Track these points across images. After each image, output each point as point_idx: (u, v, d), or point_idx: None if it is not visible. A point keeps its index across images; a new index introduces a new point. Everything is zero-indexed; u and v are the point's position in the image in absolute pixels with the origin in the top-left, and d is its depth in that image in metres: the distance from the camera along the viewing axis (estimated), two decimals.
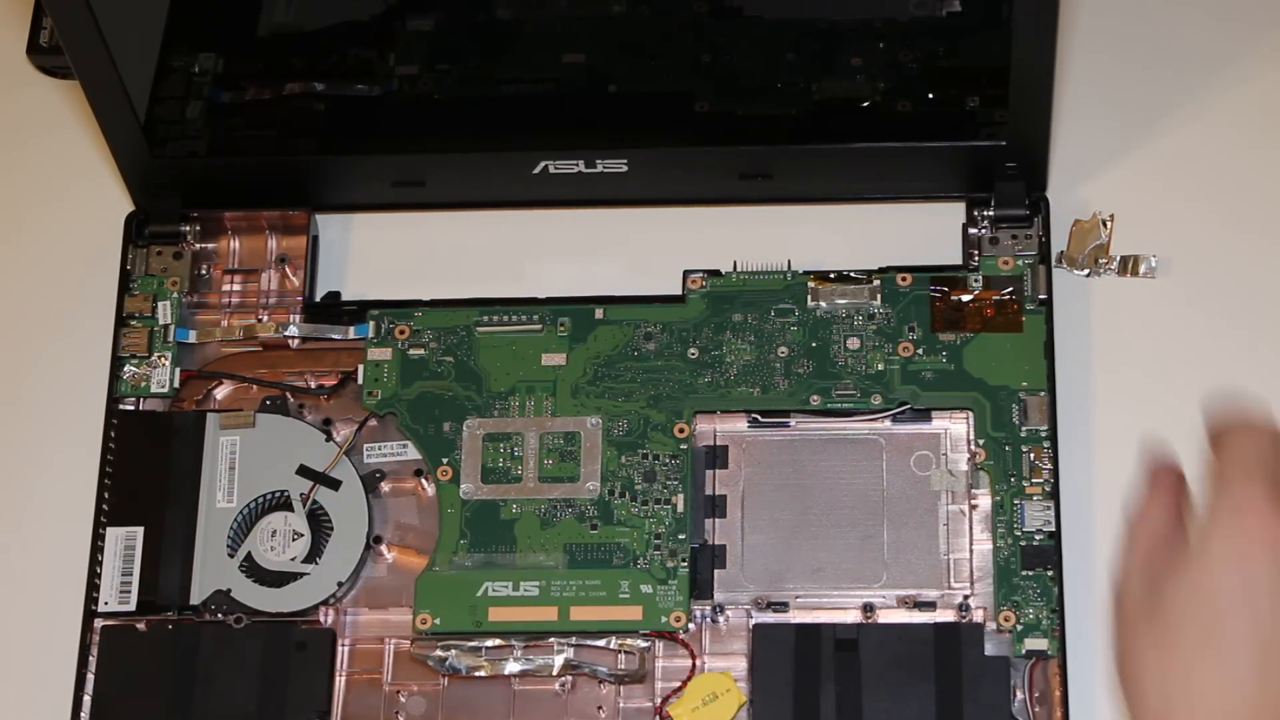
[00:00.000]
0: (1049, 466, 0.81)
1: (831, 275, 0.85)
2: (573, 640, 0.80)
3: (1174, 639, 0.66)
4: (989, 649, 0.78)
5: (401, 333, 0.86)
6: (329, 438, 0.84)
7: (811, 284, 0.85)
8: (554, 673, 0.80)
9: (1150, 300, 0.85)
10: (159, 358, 0.86)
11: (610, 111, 0.87)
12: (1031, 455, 0.81)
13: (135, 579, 0.82)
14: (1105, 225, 0.85)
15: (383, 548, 0.83)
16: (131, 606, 0.82)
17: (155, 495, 0.84)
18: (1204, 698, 0.65)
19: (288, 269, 0.88)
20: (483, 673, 0.80)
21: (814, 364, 0.83)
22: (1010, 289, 0.84)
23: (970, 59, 0.85)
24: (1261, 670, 0.65)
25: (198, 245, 0.89)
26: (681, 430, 0.83)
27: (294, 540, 0.83)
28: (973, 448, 0.81)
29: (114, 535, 0.83)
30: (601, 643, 0.80)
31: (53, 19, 0.82)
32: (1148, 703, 0.67)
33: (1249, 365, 0.84)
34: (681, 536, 0.81)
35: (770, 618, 0.80)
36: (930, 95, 0.85)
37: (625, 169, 0.86)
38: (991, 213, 0.85)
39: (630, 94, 0.87)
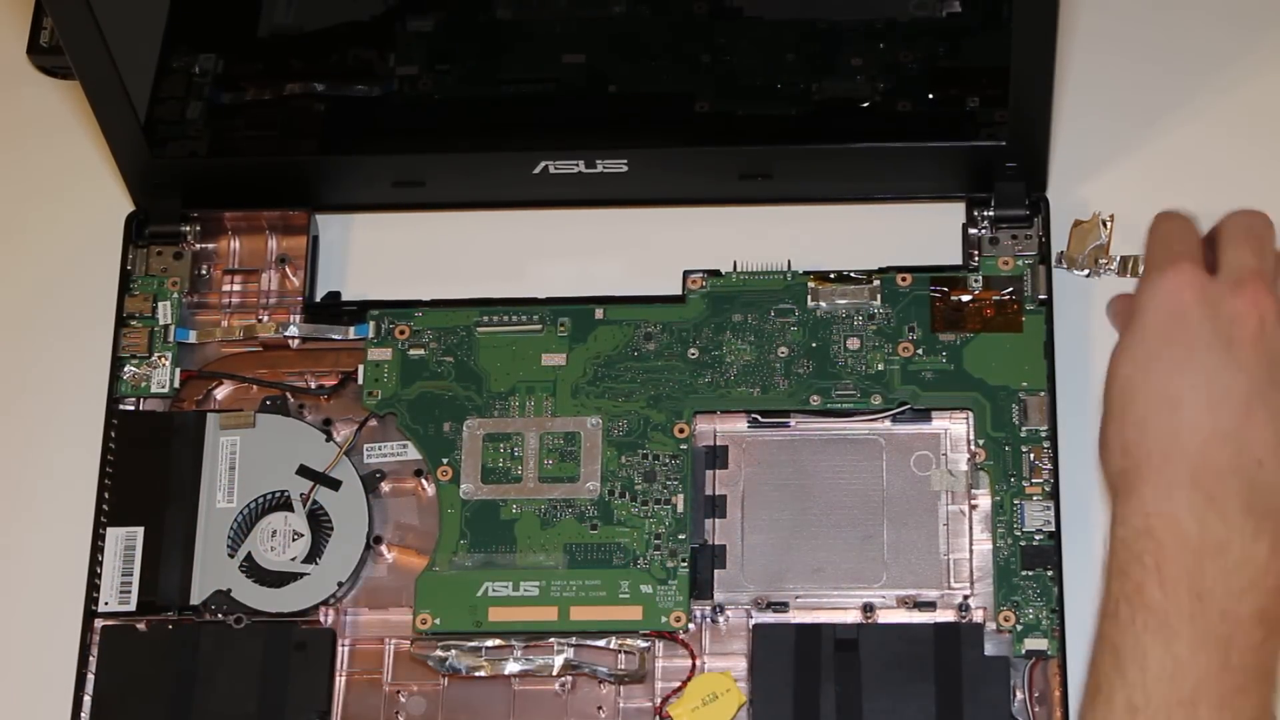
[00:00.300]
0: (1049, 466, 0.81)
1: (831, 275, 0.85)
2: (573, 640, 0.80)
3: (1130, 412, 0.72)
4: (989, 649, 0.78)
5: (401, 333, 0.86)
6: (329, 438, 0.84)
7: (811, 284, 0.85)
8: (554, 673, 0.80)
9: None
10: (159, 358, 0.86)
11: (610, 111, 0.87)
12: (1031, 455, 0.81)
13: (135, 579, 0.82)
14: (1105, 225, 0.85)
15: (383, 548, 0.83)
16: (132, 606, 0.82)
17: (155, 495, 0.84)
18: (1144, 428, 0.71)
19: (288, 269, 0.88)
20: (483, 673, 0.80)
21: (814, 364, 0.83)
22: (1010, 289, 0.84)
23: (970, 59, 0.85)
24: (1199, 391, 0.70)
25: (198, 245, 0.89)
26: (681, 430, 0.83)
27: (294, 540, 0.83)
28: (973, 448, 0.81)
29: (114, 535, 0.83)
30: (601, 643, 0.80)
31: (53, 19, 0.82)
32: (1113, 393, 0.72)
33: None
34: (681, 536, 0.81)
35: (770, 618, 0.80)
36: (930, 95, 0.85)
37: (625, 169, 0.86)
38: (991, 213, 0.85)
39: (630, 94, 0.87)
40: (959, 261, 0.85)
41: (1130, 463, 0.71)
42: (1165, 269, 0.73)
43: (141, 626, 0.82)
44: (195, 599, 0.82)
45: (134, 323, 0.87)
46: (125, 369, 0.86)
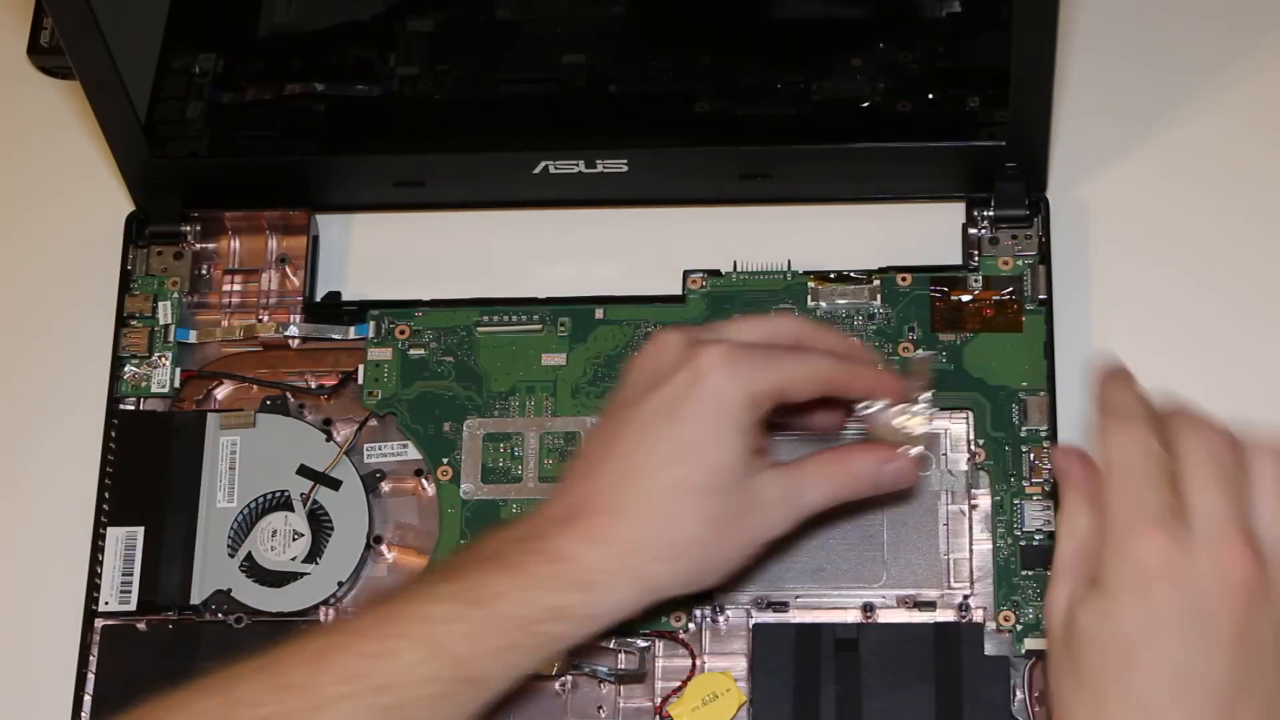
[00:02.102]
0: (1049, 466, 0.80)
1: (831, 275, 0.85)
2: None
3: (1086, 673, 0.64)
4: (989, 649, 0.78)
5: (402, 333, 0.86)
6: (329, 438, 0.84)
7: (811, 284, 0.85)
8: (554, 672, 0.80)
9: (1151, 300, 0.85)
10: (159, 358, 0.86)
11: (610, 111, 0.87)
12: (1031, 455, 0.81)
13: (136, 579, 0.82)
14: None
15: (383, 548, 0.83)
16: (132, 606, 0.82)
17: (155, 495, 0.84)
18: None
19: (288, 269, 0.88)
20: None
21: None
22: (1010, 289, 0.84)
23: (970, 59, 0.85)
24: (1179, 698, 0.63)
25: (198, 245, 0.89)
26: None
27: (294, 540, 0.83)
28: (972, 448, 0.81)
29: (114, 535, 0.83)
30: (601, 642, 0.80)
31: (53, 19, 0.82)
32: (1078, 653, 0.64)
33: (1249, 365, 0.84)
34: None
35: (770, 617, 0.80)
36: (930, 95, 0.85)
37: (625, 169, 0.86)
38: (991, 213, 0.85)
39: (630, 94, 0.87)
40: (959, 261, 0.85)
41: None
42: (1141, 539, 0.63)
43: (142, 626, 0.82)
44: (195, 599, 0.82)
45: (134, 323, 0.87)
46: (125, 369, 0.86)
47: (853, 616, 0.80)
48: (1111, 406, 0.68)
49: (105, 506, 0.84)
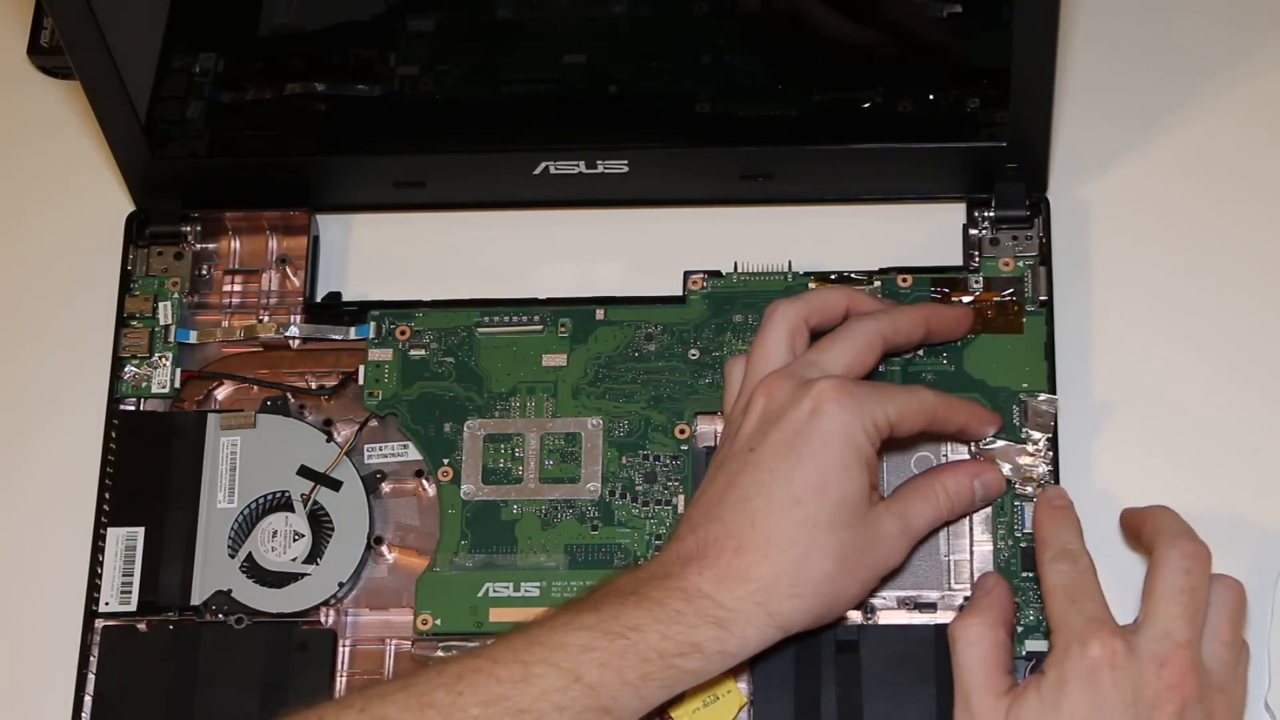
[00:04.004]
0: (1049, 467, 0.81)
1: (832, 276, 0.85)
2: None
3: (1048, 709, 0.70)
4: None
5: (402, 333, 0.86)
6: (330, 438, 0.84)
7: (812, 285, 0.85)
8: None
9: (1152, 301, 0.85)
10: (160, 358, 0.86)
11: (610, 112, 0.87)
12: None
13: (136, 579, 0.82)
14: None
15: (383, 548, 0.83)
16: (132, 607, 0.82)
17: (156, 495, 0.84)
18: None
19: (288, 269, 0.88)
20: None
21: None
22: (1011, 290, 0.84)
23: (971, 60, 0.85)
24: None
25: (198, 245, 0.89)
26: (682, 431, 0.83)
27: (295, 541, 0.83)
28: (973, 449, 0.81)
29: (115, 535, 0.83)
30: None
31: (53, 19, 0.82)
32: None
33: (1251, 365, 0.84)
34: None
35: None
36: (931, 96, 0.85)
37: (626, 169, 0.86)
38: (992, 213, 0.85)
39: (630, 94, 0.87)
40: (960, 262, 0.85)
41: None
42: (1084, 641, 0.70)
43: (142, 627, 0.82)
44: (196, 599, 0.82)
45: (134, 323, 0.87)
46: (126, 369, 0.86)
47: (853, 617, 0.80)
48: (1046, 543, 0.76)
49: (105, 506, 0.84)
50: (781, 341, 0.78)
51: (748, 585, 0.72)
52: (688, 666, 0.71)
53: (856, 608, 0.78)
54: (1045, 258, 0.84)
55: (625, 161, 0.86)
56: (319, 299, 0.88)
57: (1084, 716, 0.69)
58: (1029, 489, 0.80)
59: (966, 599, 0.79)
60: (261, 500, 0.83)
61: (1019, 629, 0.78)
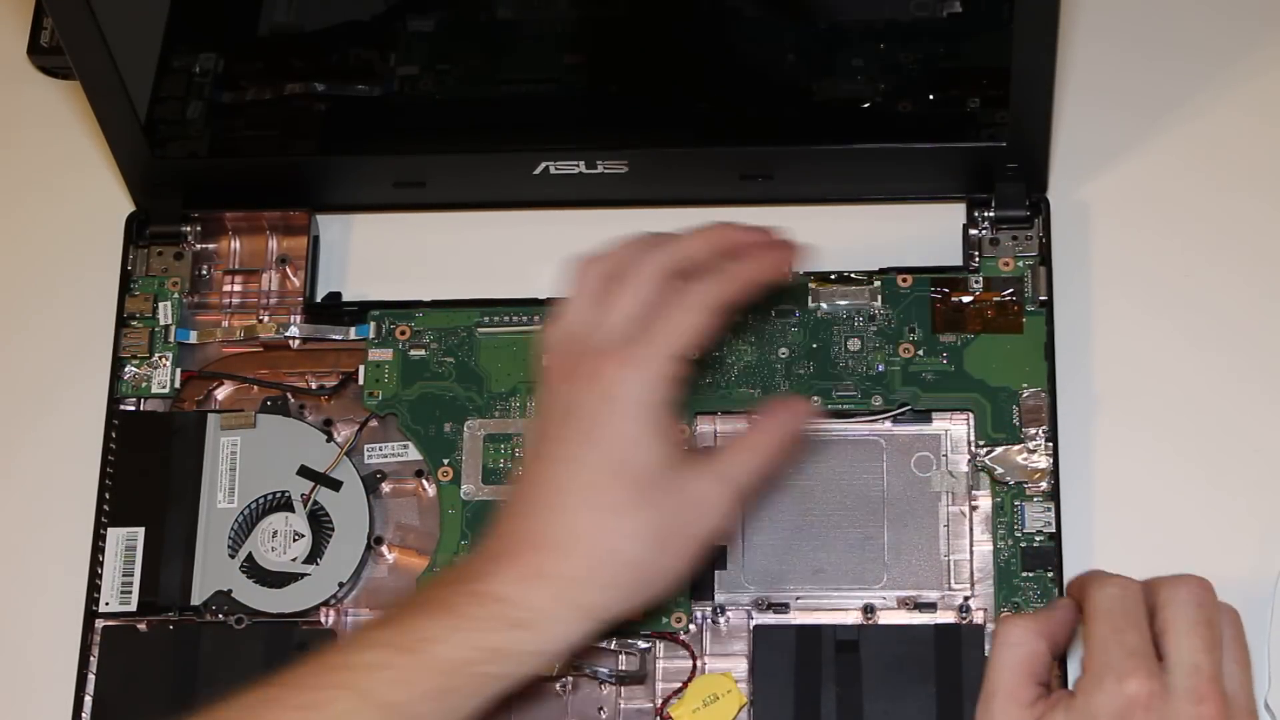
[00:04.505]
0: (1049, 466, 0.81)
1: (832, 276, 0.85)
2: None
3: None
4: (989, 650, 0.78)
5: (402, 333, 0.86)
6: (330, 438, 0.84)
7: (812, 285, 0.85)
8: (554, 673, 0.80)
9: (1151, 301, 0.85)
10: (160, 358, 0.86)
11: (610, 112, 0.87)
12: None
13: (136, 579, 0.82)
14: None
15: (384, 548, 0.83)
16: (132, 607, 0.82)
17: (156, 496, 0.84)
18: None
19: (288, 269, 0.88)
20: None
21: (814, 365, 0.83)
22: (1011, 290, 0.84)
23: (971, 59, 0.85)
24: None
25: (198, 246, 0.89)
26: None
27: (295, 541, 0.83)
28: (973, 449, 0.81)
29: (115, 535, 0.83)
30: (602, 643, 0.80)
31: (53, 19, 0.82)
32: None
33: (1251, 365, 0.84)
34: None
35: (771, 619, 0.80)
36: (931, 96, 0.85)
37: (625, 170, 0.86)
38: (992, 213, 0.85)
39: (630, 94, 0.87)
40: (960, 262, 0.85)
41: None
42: (1120, 677, 0.68)
43: (142, 627, 0.82)
44: (196, 599, 0.82)
45: (134, 323, 0.87)
46: (126, 369, 0.86)
47: (853, 618, 0.80)
48: (1094, 572, 0.73)
49: (105, 506, 0.84)
50: (581, 305, 0.74)
51: (552, 583, 0.69)
52: (495, 671, 0.69)
53: (865, 612, 0.78)
54: (1045, 258, 0.84)
55: (625, 161, 0.86)
56: (319, 299, 0.89)
57: None
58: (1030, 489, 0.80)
59: (967, 599, 0.79)
60: (261, 500, 0.83)
61: None
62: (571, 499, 0.70)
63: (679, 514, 0.71)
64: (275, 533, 0.83)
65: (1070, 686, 0.72)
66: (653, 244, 0.75)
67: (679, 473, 0.71)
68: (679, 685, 0.80)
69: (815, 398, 0.83)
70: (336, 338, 0.87)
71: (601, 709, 0.80)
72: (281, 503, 0.83)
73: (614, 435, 0.70)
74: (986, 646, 0.78)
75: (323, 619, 0.82)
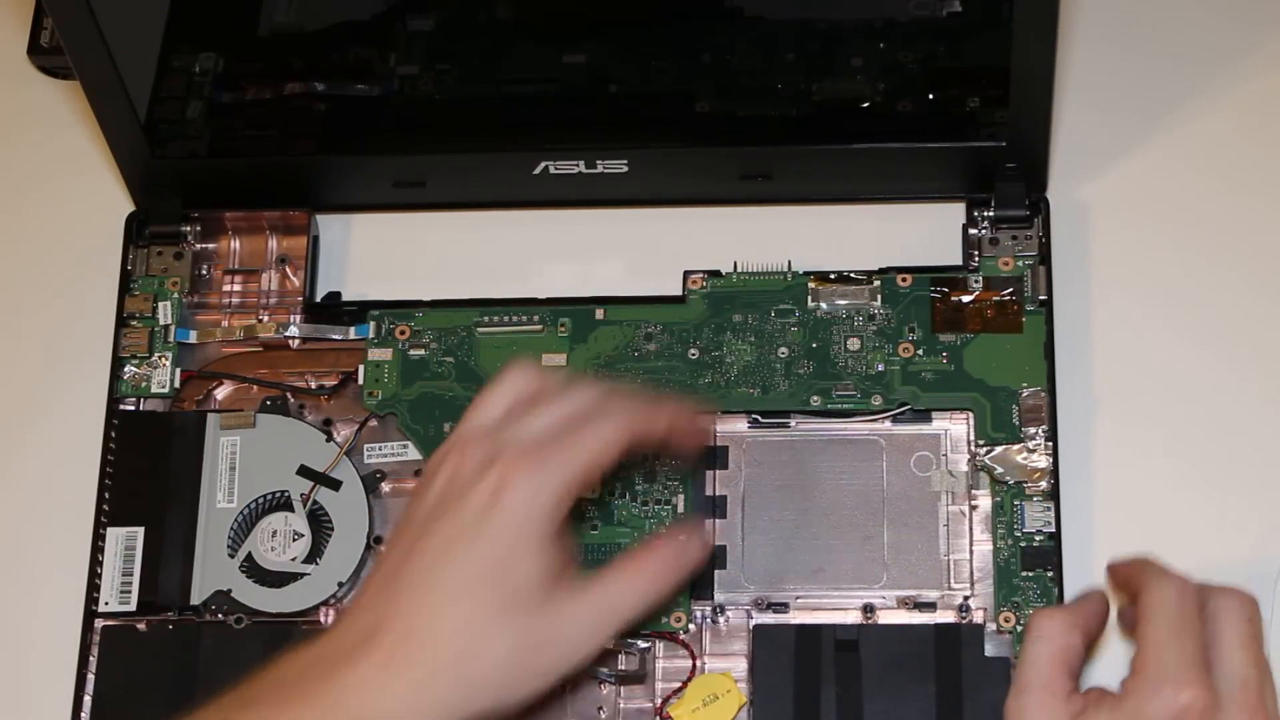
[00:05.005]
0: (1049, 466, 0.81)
1: (832, 276, 0.85)
2: None
3: None
4: (989, 650, 0.78)
5: (402, 333, 0.86)
6: (329, 438, 0.84)
7: (812, 284, 0.85)
8: None
9: (1151, 300, 0.85)
10: (159, 358, 0.86)
11: (610, 111, 0.87)
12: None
13: (135, 579, 0.82)
14: None
15: (383, 548, 0.83)
16: (132, 607, 0.82)
17: (155, 495, 0.84)
18: None
19: (288, 269, 0.88)
20: None
21: (814, 365, 0.83)
22: (1010, 290, 0.84)
23: (970, 59, 0.85)
24: None
25: (198, 245, 0.89)
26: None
27: (294, 540, 0.83)
28: (973, 448, 0.81)
29: (114, 535, 0.83)
30: None
31: (53, 19, 0.82)
32: None
33: (1250, 365, 0.84)
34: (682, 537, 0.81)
35: (770, 618, 0.80)
36: (930, 95, 0.85)
37: (625, 169, 0.86)
38: (992, 213, 0.85)
39: (630, 94, 0.87)
40: (959, 262, 0.85)
41: None
42: (1178, 687, 0.68)
43: (141, 626, 0.82)
44: (195, 599, 0.82)
45: (134, 323, 0.87)
46: (125, 369, 0.86)
47: (853, 617, 0.80)
48: (1149, 564, 0.72)
49: (105, 506, 0.84)
50: (499, 403, 0.74)
51: (409, 674, 0.68)
52: None
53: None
54: (1045, 257, 0.84)
55: (625, 161, 0.86)
56: (319, 299, 0.89)
57: None
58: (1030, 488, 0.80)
59: (966, 598, 0.79)
60: (261, 500, 0.83)
61: (1019, 629, 0.78)
62: (438, 596, 0.69)
63: (547, 634, 0.70)
64: (275, 532, 0.83)
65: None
66: (601, 393, 0.74)
67: (555, 593, 0.70)
68: (679, 685, 0.80)
69: (815, 397, 0.82)
70: (336, 337, 0.87)
71: (601, 709, 0.80)
72: (281, 502, 0.83)
73: (495, 542, 0.69)
74: (986, 646, 0.78)
75: (322, 619, 0.82)
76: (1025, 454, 0.80)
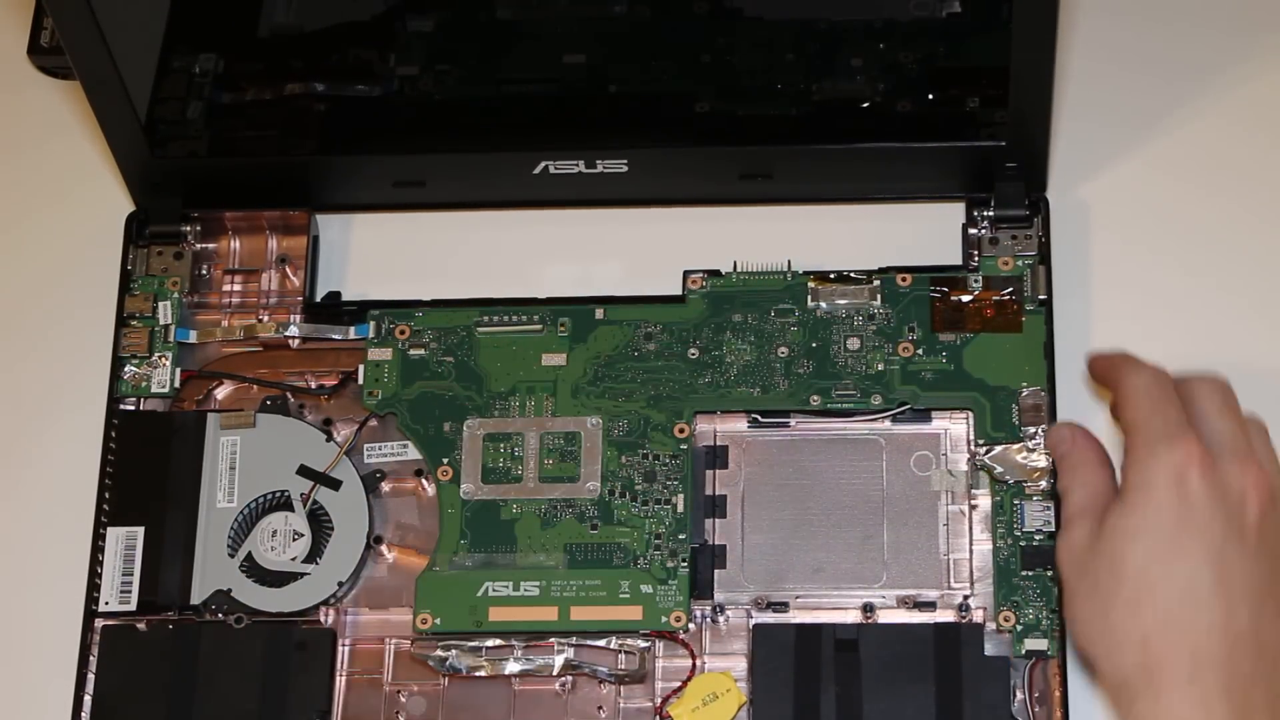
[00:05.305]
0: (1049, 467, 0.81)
1: (831, 275, 0.85)
2: (573, 640, 0.80)
3: (1127, 571, 0.69)
4: (989, 649, 0.78)
5: (402, 333, 0.86)
6: (329, 438, 0.84)
7: (811, 284, 0.85)
8: (554, 673, 0.80)
9: (1151, 300, 0.85)
10: (159, 358, 0.86)
11: (610, 111, 0.87)
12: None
13: (136, 579, 0.82)
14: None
15: (383, 548, 0.83)
16: (132, 606, 0.82)
17: (156, 495, 0.84)
18: (1169, 626, 0.68)
19: (288, 269, 0.88)
20: (483, 673, 0.80)
21: (814, 364, 0.83)
22: (1010, 289, 0.84)
23: (970, 59, 0.85)
24: (1221, 587, 0.68)
25: (198, 245, 0.89)
26: (682, 430, 0.83)
27: (294, 540, 0.83)
28: (972, 448, 0.81)
29: (114, 535, 0.83)
30: (602, 643, 0.80)
31: (53, 19, 0.82)
32: (1122, 576, 0.69)
33: (1251, 365, 0.84)
34: (682, 536, 0.81)
35: (770, 618, 0.80)
36: (930, 95, 0.85)
37: (625, 169, 0.86)
38: (991, 213, 0.85)
39: (630, 94, 0.87)
40: (959, 262, 0.85)
41: (1152, 659, 0.68)
42: (1170, 442, 0.70)
43: (141, 626, 0.82)
44: (195, 599, 0.82)
45: (134, 323, 0.87)
46: (125, 369, 0.86)
47: (853, 617, 0.80)
48: (1126, 355, 0.75)
49: (105, 506, 0.84)
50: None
51: None
52: None
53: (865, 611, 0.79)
54: (1044, 257, 0.84)
55: (625, 161, 0.86)
56: (319, 299, 0.89)
57: (1174, 512, 0.69)
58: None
59: (966, 598, 0.79)
60: (261, 500, 0.83)
61: (1018, 628, 0.78)
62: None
63: None
64: (275, 532, 0.83)
65: None
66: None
67: None
68: (678, 684, 0.80)
69: (815, 397, 0.83)
70: (336, 337, 0.87)
71: (601, 708, 0.80)
72: (281, 502, 0.83)
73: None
74: (986, 646, 0.78)
75: (322, 618, 0.82)
76: (1025, 453, 0.80)
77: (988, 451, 0.80)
